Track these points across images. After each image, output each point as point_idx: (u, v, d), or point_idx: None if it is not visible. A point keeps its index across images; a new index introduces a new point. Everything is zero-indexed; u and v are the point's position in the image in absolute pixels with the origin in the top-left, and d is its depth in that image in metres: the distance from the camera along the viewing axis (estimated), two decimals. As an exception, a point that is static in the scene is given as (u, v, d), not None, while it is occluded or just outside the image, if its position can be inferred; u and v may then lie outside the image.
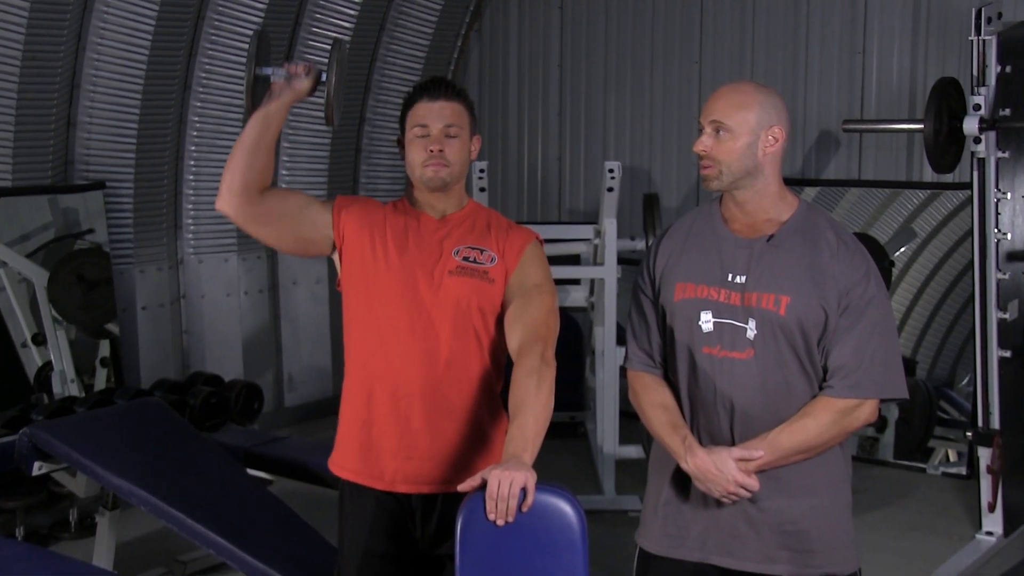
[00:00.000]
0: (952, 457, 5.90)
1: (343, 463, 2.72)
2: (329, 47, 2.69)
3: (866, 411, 2.42)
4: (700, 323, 2.46)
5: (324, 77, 2.65)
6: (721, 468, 2.39)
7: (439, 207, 2.70)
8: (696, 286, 2.48)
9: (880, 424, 5.89)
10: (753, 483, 2.39)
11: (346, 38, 6.62)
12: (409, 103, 2.70)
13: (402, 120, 2.72)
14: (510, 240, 2.68)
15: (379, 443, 2.63)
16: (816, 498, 2.46)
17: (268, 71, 2.64)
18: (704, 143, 2.45)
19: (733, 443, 2.44)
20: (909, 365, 6.01)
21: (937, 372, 6.05)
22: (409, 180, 2.72)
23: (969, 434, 4.85)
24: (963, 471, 5.73)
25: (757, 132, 2.43)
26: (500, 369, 2.69)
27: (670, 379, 2.56)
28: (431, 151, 2.63)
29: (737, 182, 2.45)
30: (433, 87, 2.67)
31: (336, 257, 2.70)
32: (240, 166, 2.55)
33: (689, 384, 2.50)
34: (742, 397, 2.43)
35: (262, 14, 6.10)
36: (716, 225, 2.52)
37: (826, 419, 2.40)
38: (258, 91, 2.64)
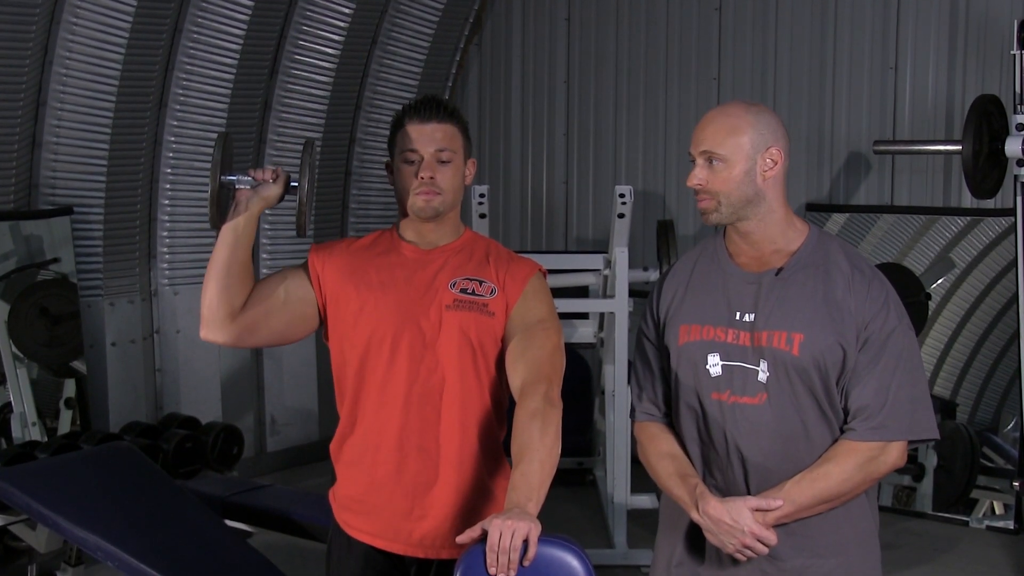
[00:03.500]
0: (998, 509, 5.87)
1: (358, 524, 2.68)
2: (301, 147, 2.67)
3: (893, 455, 2.41)
4: (707, 367, 2.46)
5: (294, 181, 2.61)
6: (736, 519, 2.38)
7: (431, 238, 2.70)
8: (702, 327, 2.48)
9: (917, 472, 5.87)
10: (771, 536, 2.38)
11: (335, 51, 6.67)
12: (398, 125, 2.69)
13: (391, 143, 2.72)
14: (511, 271, 2.67)
15: (390, 505, 2.63)
16: (843, 556, 2.45)
17: (233, 178, 2.62)
18: (698, 176, 2.45)
19: (750, 496, 2.44)
20: (949, 407, 5.99)
21: (980, 416, 6.04)
22: (401, 207, 2.73)
23: (1016, 484, 4.84)
24: (1010, 525, 5.70)
25: (753, 157, 2.44)
26: (502, 414, 2.69)
27: (678, 430, 2.57)
28: (422, 178, 2.63)
29: (738, 212, 2.45)
30: (424, 108, 2.67)
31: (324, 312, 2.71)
32: (216, 293, 2.56)
33: (699, 434, 2.50)
34: (756, 446, 2.42)
35: (244, 26, 6.14)
36: (721, 260, 2.53)
37: (850, 465, 2.39)
38: (223, 200, 2.62)
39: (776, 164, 2.45)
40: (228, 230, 2.58)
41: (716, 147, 2.43)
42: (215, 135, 6.21)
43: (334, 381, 2.73)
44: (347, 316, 2.65)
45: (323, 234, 6.90)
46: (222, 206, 2.62)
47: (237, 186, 2.61)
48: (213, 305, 2.56)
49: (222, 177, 2.60)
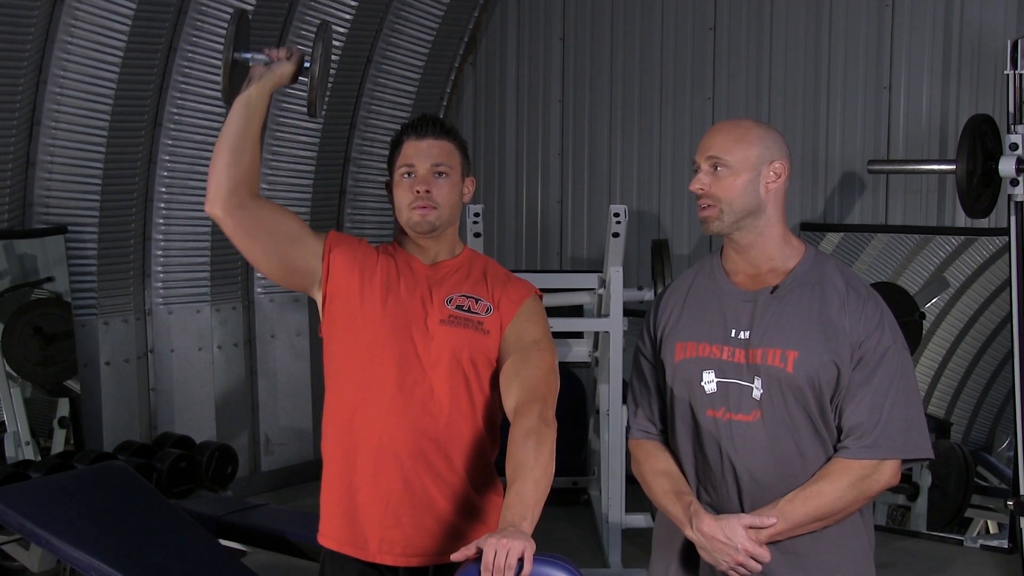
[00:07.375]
0: (992, 528, 5.87)
1: (327, 531, 2.72)
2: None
3: (886, 474, 2.42)
4: (702, 384, 2.48)
5: (307, 62, 2.66)
6: (730, 536, 2.39)
7: (430, 253, 2.72)
8: (697, 344, 2.50)
9: (912, 492, 5.88)
10: (764, 553, 2.39)
11: (330, 71, 6.68)
12: (396, 143, 2.74)
13: (390, 161, 2.75)
14: (508, 291, 2.69)
15: (364, 510, 2.63)
16: (836, 574, 2.46)
17: (247, 56, 2.66)
18: (701, 181, 2.47)
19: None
20: (943, 427, 6.00)
21: (974, 435, 6.05)
22: (399, 226, 2.75)
23: (1010, 503, 4.84)
24: (1004, 544, 5.70)
25: (758, 167, 2.47)
26: (495, 433, 2.70)
27: (673, 447, 2.58)
28: (417, 192, 2.66)
29: (739, 223, 2.47)
30: (420, 125, 2.71)
31: (319, 298, 2.72)
32: (225, 163, 2.58)
33: (694, 451, 2.51)
34: (750, 464, 2.44)
35: (239, 45, 6.15)
36: (718, 278, 2.55)
37: (842, 483, 2.40)
38: (236, 78, 2.65)
39: (779, 177, 2.48)
40: (240, 102, 2.61)
41: (723, 153, 2.46)
42: (210, 154, 6.26)
43: (324, 381, 2.73)
44: (344, 307, 2.66)
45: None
46: (235, 82, 2.65)
47: (251, 63, 2.65)
48: (221, 176, 2.58)
49: (235, 54, 2.64)
